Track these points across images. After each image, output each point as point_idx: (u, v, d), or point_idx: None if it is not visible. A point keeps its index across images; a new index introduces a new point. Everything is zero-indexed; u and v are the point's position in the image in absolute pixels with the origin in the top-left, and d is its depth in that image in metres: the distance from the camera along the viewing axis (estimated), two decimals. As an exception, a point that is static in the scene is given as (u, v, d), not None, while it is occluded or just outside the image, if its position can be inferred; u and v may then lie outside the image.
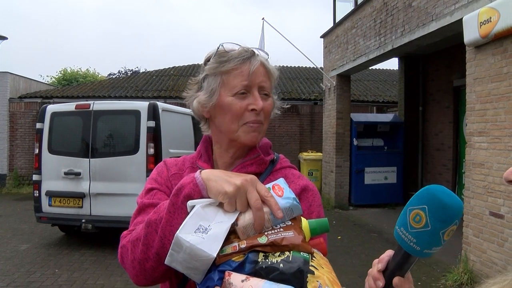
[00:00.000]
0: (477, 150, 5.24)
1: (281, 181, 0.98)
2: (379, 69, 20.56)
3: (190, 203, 0.92)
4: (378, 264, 0.93)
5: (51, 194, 6.79)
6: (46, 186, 6.83)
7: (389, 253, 0.94)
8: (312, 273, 0.82)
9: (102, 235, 7.23)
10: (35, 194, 6.91)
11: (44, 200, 6.83)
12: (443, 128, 10.03)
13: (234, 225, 0.89)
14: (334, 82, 10.92)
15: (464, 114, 8.35)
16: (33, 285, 5.17)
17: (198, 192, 0.93)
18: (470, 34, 5.15)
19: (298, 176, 1.21)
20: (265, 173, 1.18)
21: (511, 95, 4.67)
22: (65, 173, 6.71)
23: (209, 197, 0.93)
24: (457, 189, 9.37)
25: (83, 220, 6.54)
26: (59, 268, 5.79)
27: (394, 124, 10.94)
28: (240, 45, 1.14)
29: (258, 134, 1.14)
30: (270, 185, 0.95)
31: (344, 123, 10.73)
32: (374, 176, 10.55)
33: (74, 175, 6.68)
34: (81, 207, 6.66)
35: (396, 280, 0.89)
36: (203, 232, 0.86)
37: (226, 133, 1.14)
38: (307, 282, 0.81)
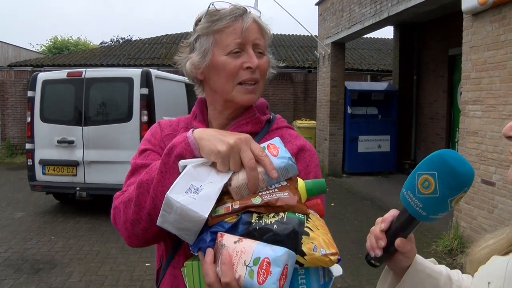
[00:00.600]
0: (471, 118, 5.25)
1: (276, 141, 0.95)
2: (374, 37, 20.36)
3: (181, 162, 0.90)
4: (382, 223, 0.92)
5: (44, 163, 6.77)
6: (40, 154, 6.80)
7: (393, 213, 0.93)
8: (307, 234, 0.81)
9: (97, 203, 7.25)
10: (28, 163, 6.88)
11: (38, 169, 6.81)
12: (437, 97, 10.02)
13: (227, 185, 0.87)
14: (329, 50, 10.81)
15: (458, 84, 8.35)
16: (30, 251, 5.21)
17: (190, 151, 0.91)
18: (468, 1, 5.08)
19: (295, 136, 1.18)
20: (261, 133, 1.15)
21: (507, 63, 4.65)
22: (58, 142, 6.67)
23: (201, 157, 0.91)
24: (449, 158, 9.44)
25: (77, 188, 6.54)
26: (54, 235, 5.83)
27: (388, 92, 10.91)
28: (231, 3, 1.10)
29: (254, 95, 1.11)
30: (265, 144, 0.93)
31: (338, 91, 10.67)
32: (368, 144, 10.59)
33: (67, 143, 6.64)
34: (75, 175, 6.65)
35: (398, 241, 0.89)
36: (194, 192, 0.84)
37: (221, 93, 1.11)
38: (302, 243, 0.80)
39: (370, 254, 0.94)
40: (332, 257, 0.79)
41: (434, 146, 10.02)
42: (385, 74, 14.69)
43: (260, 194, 0.86)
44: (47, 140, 6.76)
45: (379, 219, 0.95)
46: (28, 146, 6.89)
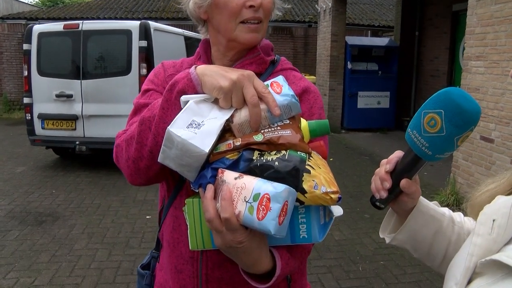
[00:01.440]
0: (474, 74, 5.20)
1: (280, 79, 0.93)
2: (376, -8, 19.88)
3: (184, 98, 0.89)
4: (386, 165, 0.92)
5: (43, 117, 6.75)
6: (38, 109, 6.76)
7: (398, 154, 0.92)
8: (308, 172, 0.80)
9: (97, 157, 7.29)
10: (27, 117, 6.85)
11: (37, 123, 6.79)
12: (439, 54, 9.88)
13: (229, 122, 0.87)
14: (330, 4, 10.56)
15: (461, 41, 8.21)
16: (32, 204, 5.28)
17: (193, 87, 0.90)
18: (476, -49, 4.92)
19: (300, 78, 1.17)
20: (265, 74, 1.14)
21: (514, 17, 4.56)
22: (57, 96, 6.62)
23: (203, 93, 0.90)
24: (449, 115, 9.44)
25: (77, 142, 6.55)
26: (56, 189, 5.89)
27: (389, 48, 10.75)
28: None
29: (258, 34, 1.08)
30: (268, 82, 0.91)
31: (339, 46, 10.51)
32: (367, 100, 10.54)
33: (65, 97, 6.59)
34: (75, 129, 6.65)
35: (403, 182, 0.88)
36: (195, 127, 0.83)
37: (224, 33, 1.08)
38: (303, 181, 0.80)
39: (375, 196, 0.94)
40: (333, 195, 0.79)
41: (434, 103, 9.98)
42: (386, 29, 14.43)
43: (262, 131, 0.86)
44: (45, 94, 6.70)
45: (384, 160, 0.94)
46: (26, 100, 6.83)
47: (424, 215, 0.96)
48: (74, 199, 5.50)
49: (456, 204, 5.22)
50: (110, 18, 13.78)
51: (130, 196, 5.57)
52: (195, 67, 0.92)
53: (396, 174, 0.90)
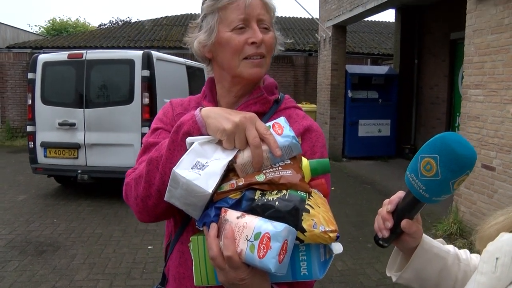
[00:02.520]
0: (473, 103, 5.25)
1: (281, 120, 0.97)
2: (375, 21, 20.21)
3: (189, 140, 0.93)
4: (388, 205, 0.94)
5: (46, 145, 6.78)
6: (41, 137, 6.81)
7: (399, 194, 0.95)
8: (308, 211, 0.83)
9: (98, 186, 7.29)
10: (30, 145, 6.89)
11: (39, 151, 6.83)
12: (438, 81, 9.99)
13: (233, 162, 0.90)
14: (330, 33, 10.73)
15: (460, 68, 8.31)
16: (33, 233, 5.26)
17: (197, 129, 0.94)
18: (472, -17, 5.04)
19: (303, 116, 1.20)
20: (269, 112, 1.17)
21: (511, 47, 4.63)
22: (60, 124, 6.67)
23: (208, 135, 0.93)
24: (449, 142, 9.46)
25: (79, 171, 6.57)
26: (57, 218, 5.87)
27: (389, 76, 10.86)
28: None
29: (261, 69, 1.11)
30: (270, 123, 0.95)
31: (339, 74, 10.63)
32: (368, 128, 10.59)
33: (68, 125, 6.64)
34: (77, 157, 6.67)
35: (404, 222, 0.91)
36: (200, 168, 0.87)
37: (228, 70, 1.12)
38: (302, 220, 0.82)
39: (378, 235, 0.96)
40: (331, 234, 0.82)
41: (434, 131, 10.02)
42: (385, 58, 14.61)
43: (264, 171, 0.89)
44: (49, 123, 6.75)
45: (386, 200, 0.97)
46: (29, 128, 6.89)
47: (428, 253, 0.97)
48: (75, 228, 5.48)
49: (460, 233, 5.18)
50: (113, 47, 14.00)
51: (131, 225, 5.54)
52: (200, 109, 0.96)
53: (397, 214, 0.93)
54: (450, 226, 5.34)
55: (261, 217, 0.82)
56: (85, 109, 6.61)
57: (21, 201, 6.71)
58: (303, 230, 0.82)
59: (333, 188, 7.51)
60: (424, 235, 0.98)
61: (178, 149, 0.95)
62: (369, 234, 5.03)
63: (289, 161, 0.92)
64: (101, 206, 6.44)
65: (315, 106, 12.10)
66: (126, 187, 1.09)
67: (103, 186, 7.25)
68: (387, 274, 1.07)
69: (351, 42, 15.55)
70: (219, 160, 0.89)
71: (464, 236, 5.12)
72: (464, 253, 1.03)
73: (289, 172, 0.88)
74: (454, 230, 5.24)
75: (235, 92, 1.16)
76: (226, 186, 0.89)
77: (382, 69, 11.63)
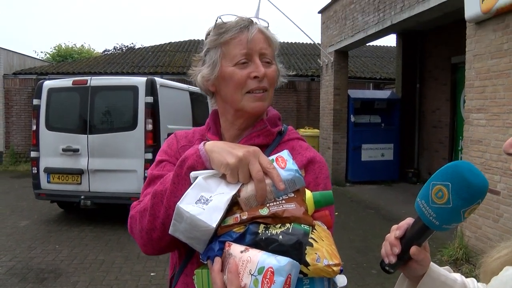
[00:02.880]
0: (475, 127, 5.26)
1: (284, 153, 0.98)
2: (376, 45, 20.42)
3: (193, 174, 0.94)
4: (396, 231, 0.94)
5: (49, 171, 6.80)
6: (44, 162, 6.83)
7: (408, 221, 0.94)
8: (311, 245, 0.83)
9: (101, 212, 7.27)
10: (33, 171, 6.90)
11: (43, 177, 6.84)
12: (440, 105, 10.03)
13: (236, 196, 0.90)
14: (332, 58, 10.84)
15: (461, 92, 8.35)
16: (35, 260, 5.22)
17: (201, 163, 0.95)
18: (471, 9, 5.11)
19: (306, 148, 1.21)
20: (273, 144, 1.18)
21: (511, 72, 4.67)
22: (63, 150, 6.70)
23: (212, 169, 0.94)
24: (453, 166, 9.43)
25: (82, 197, 6.56)
26: (59, 244, 5.84)
27: (391, 100, 10.92)
28: (237, 16, 1.13)
29: (264, 103, 1.13)
30: (273, 157, 0.96)
31: (341, 99, 10.70)
32: (371, 152, 10.59)
33: (72, 151, 6.67)
34: (80, 183, 6.67)
35: (413, 249, 0.90)
36: (203, 203, 0.88)
37: (231, 103, 1.14)
38: (306, 254, 0.82)
39: (385, 260, 0.96)
40: (334, 268, 0.82)
41: (438, 154, 10.01)
42: (387, 82, 14.72)
43: (267, 205, 0.89)
44: (52, 148, 6.79)
45: (395, 226, 0.97)
46: (33, 154, 6.92)
47: (435, 281, 0.96)
48: (77, 254, 5.44)
49: (466, 258, 5.12)
50: (117, 73, 14.17)
51: (134, 252, 5.50)
52: (204, 143, 0.98)
53: (406, 240, 0.92)
54: (456, 251, 5.28)
55: (264, 251, 0.82)
56: (88, 135, 6.65)
57: (23, 227, 6.68)
58: (306, 264, 0.82)
59: (336, 213, 7.47)
60: (431, 262, 0.98)
61: (182, 183, 0.95)
62: (373, 260, 4.97)
63: (292, 194, 0.92)
64: (103, 232, 6.40)
65: (318, 131, 12.14)
66: (131, 220, 1.10)
67: (106, 212, 7.23)
68: None
69: (353, 67, 15.69)
70: (223, 194, 0.90)
71: (470, 261, 5.06)
72: (471, 282, 1.02)
73: (292, 205, 0.89)
74: (460, 256, 5.18)
75: (238, 125, 1.17)
76: (230, 220, 0.89)
77: (384, 94, 11.70)
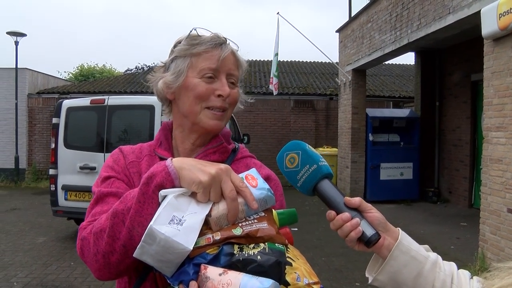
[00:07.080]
0: (495, 145, 5.13)
1: (253, 171, 0.95)
2: (395, 64, 20.32)
3: (162, 192, 0.88)
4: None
5: (67, 188, 6.88)
6: (62, 180, 6.92)
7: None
8: (290, 264, 0.82)
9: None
10: (51, 188, 7.00)
11: (60, 194, 6.92)
12: (460, 123, 9.86)
13: (207, 216, 0.86)
14: (350, 77, 10.82)
15: (482, 109, 8.20)
16: (49, 277, 5.25)
17: (171, 181, 0.89)
18: (489, 26, 5.04)
19: (260, 166, 1.20)
20: (227, 162, 1.15)
21: (530, 89, 4.57)
22: (81, 168, 6.78)
23: (181, 187, 0.89)
24: (474, 186, 9.22)
25: (98, 214, 6.58)
26: (74, 261, 5.86)
27: (410, 119, 10.79)
28: (212, 32, 1.13)
29: (221, 122, 1.12)
30: (243, 175, 0.93)
31: (360, 118, 10.63)
32: (390, 172, 10.43)
33: (89, 169, 6.75)
34: (96, 201, 6.70)
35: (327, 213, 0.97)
36: (177, 223, 0.83)
37: (188, 115, 1.12)
38: (285, 273, 0.80)
39: (365, 236, 0.96)
40: (314, 286, 0.80)
41: (458, 173, 9.80)
42: (407, 100, 14.58)
43: (240, 225, 0.86)
44: (70, 166, 6.87)
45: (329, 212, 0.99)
46: (51, 171, 7.02)
47: (405, 255, 0.93)
48: (91, 272, 5.43)
49: (487, 281, 4.94)
50: (136, 92, 14.40)
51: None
52: (171, 159, 0.92)
53: (335, 207, 0.96)
54: (477, 274, 5.11)
55: (244, 273, 0.79)
56: (105, 153, 6.72)
57: (40, 243, 6.75)
58: (286, 284, 0.79)
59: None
60: (404, 237, 0.95)
61: (148, 202, 0.88)
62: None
63: (262, 213, 0.90)
64: (118, 250, 6.40)
65: (336, 150, 12.06)
66: (82, 242, 0.98)
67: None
68: (366, 275, 1.02)
69: (372, 85, 15.62)
70: (195, 214, 0.85)
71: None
72: (448, 265, 0.97)
73: (265, 224, 0.87)
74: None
75: (193, 139, 1.15)
76: (202, 241, 0.84)
77: (403, 112, 11.58)
